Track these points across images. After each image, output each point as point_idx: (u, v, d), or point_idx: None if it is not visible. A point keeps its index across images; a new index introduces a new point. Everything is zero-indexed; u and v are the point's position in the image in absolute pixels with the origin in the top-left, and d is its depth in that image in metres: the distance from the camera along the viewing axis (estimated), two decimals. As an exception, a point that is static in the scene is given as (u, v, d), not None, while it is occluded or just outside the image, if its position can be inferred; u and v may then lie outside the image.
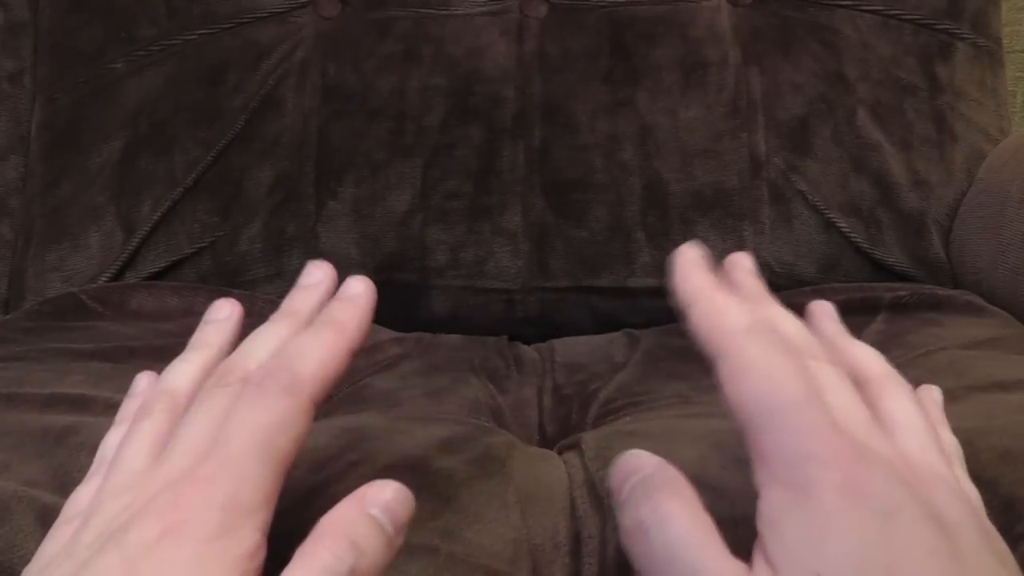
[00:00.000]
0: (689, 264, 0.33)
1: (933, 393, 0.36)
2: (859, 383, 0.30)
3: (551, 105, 0.71)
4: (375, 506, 0.28)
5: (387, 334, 0.66)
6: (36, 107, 0.74)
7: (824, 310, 0.36)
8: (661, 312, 0.70)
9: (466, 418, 0.50)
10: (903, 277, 0.70)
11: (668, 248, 0.69)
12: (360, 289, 0.34)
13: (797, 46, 0.73)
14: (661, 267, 0.70)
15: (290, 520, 0.36)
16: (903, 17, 0.73)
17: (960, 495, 0.27)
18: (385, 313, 0.70)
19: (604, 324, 0.70)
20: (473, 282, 0.71)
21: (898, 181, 0.71)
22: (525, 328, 0.71)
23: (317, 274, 0.37)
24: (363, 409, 0.51)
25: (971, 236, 0.69)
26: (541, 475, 0.41)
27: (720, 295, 0.31)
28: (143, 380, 0.37)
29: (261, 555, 0.27)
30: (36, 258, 0.71)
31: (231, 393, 0.30)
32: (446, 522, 0.36)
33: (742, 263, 0.35)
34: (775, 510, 0.26)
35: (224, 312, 0.37)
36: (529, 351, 0.64)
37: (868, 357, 0.33)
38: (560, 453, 0.46)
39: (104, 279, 0.70)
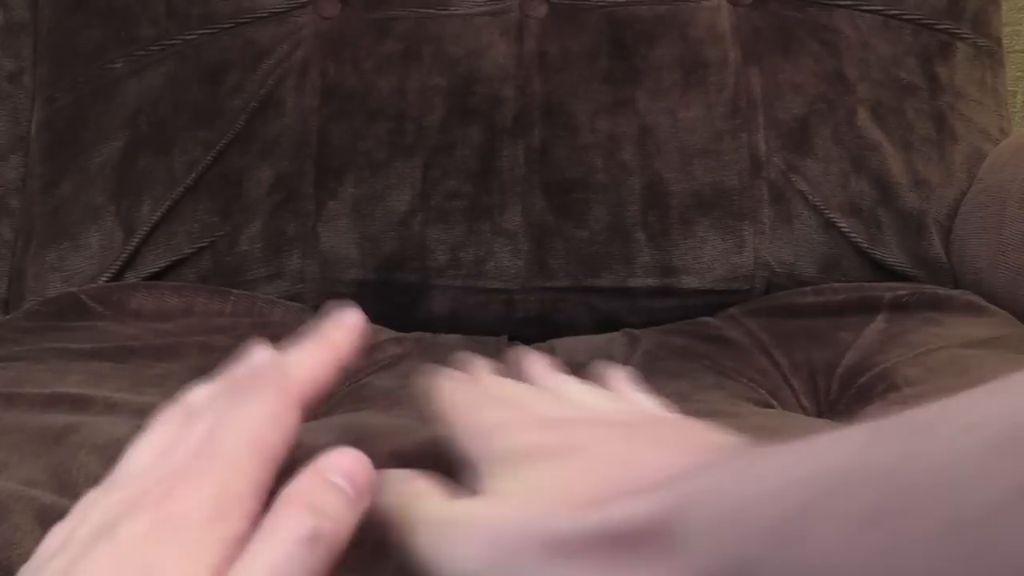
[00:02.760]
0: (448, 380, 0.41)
1: (619, 373, 0.43)
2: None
3: (551, 105, 0.71)
4: (332, 472, 0.29)
5: (387, 334, 0.66)
6: (36, 107, 0.74)
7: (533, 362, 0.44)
8: (661, 312, 0.70)
9: (466, 418, 0.50)
10: (903, 277, 0.70)
11: (668, 248, 0.70)
12: (354, 318, 0.37)
13: (797, 46, 0.73)
14: (661, 267, 0.71)
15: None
16: (903, 17, 0.73)
17: (641, 413, 0.37)
18: (385, 313, 0.71)
19: (604, 324, 0.70)
20: (473, 282, 0.71)
21: (898, 181, 0.71)
22: (525, 328, 0.70)
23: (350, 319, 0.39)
24: (363, 408, 0.51)
25: (971, 236, 0.69)
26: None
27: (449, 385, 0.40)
28: (187, 395, 0.39)
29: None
30: (36, 258, 0.71)
31: (231, 397, 0.32)
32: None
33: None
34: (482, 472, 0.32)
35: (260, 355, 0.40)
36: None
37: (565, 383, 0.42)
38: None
39: (104, 279, 0.70)
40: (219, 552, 0.26)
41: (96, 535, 0.27)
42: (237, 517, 0.27)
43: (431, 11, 0.72)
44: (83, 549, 0.27)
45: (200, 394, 0.35)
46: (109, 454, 0.41)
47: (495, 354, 0.62)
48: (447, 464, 0.41)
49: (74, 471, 0.40)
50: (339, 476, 0.29)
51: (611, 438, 0.32)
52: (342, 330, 0.36)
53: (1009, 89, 0.78)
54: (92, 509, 0.29)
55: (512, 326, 0.70)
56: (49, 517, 0.37)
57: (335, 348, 0.34)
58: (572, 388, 0.40)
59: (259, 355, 0.36)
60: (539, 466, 0.30)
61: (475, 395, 0.38)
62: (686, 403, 0.51)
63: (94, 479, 0.39)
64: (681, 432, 0.33)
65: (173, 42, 0.72)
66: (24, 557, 0.35)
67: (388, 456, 0.40)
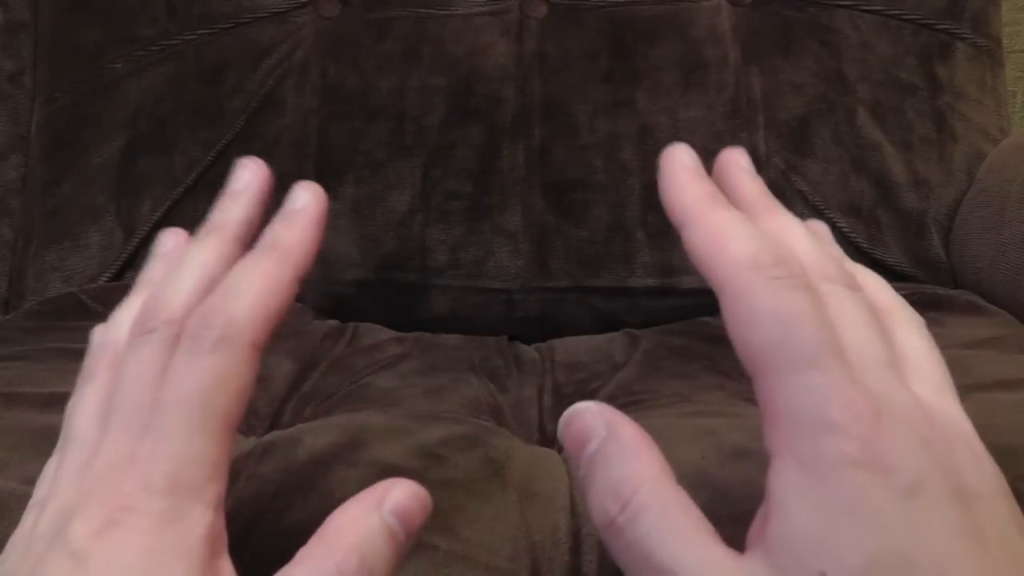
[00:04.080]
0: (682, 171, 0.28)
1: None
2: (875, 314, 0.27)
3: (551, 105, 0.71)
4: (389, 510, 0.26)
5: (387, 334, 0.66)
6: (36, 107, 0.74)
7: (820, 227, 0.32)
8: (661, 312, 0.70)
9: (466, 417, 0.50)
10: (903, 277, 0.70)
11: (668, 248, 0.70)
12: (305, 200, 0.30)
13: (797, 46, 0.73)
14: (661, 267, 0.71)
15: (290, 519, 0.36)
16: (903, 17, 0.73)
17: (979, 451, 0.25)
18: (385, 313, 0.71)
19: (604, 324, 0.70)
20: (473, 282, 0.71)
21: (898, 181, 0.71)
22: (525, 328, 0.71)
23: (245, 176, 0.32)
24: (363, 408, 0.51)
25: (971, 236, 0.69)
26: (541, 473, 0.41)
27: (719, 213, 0.27)
28: (96, 335, 0.33)
29: (217, 533, 0.25)
30: (36, 258, 0.71)
31: (158, 341, 0.27)
32: (446, 520, 0.36)
33: (737, 161, 0.30)
34: (785, 490, 0.23)
35: (168, 244, 0.33)
36: (529, 351, 0.64)
37: (878, 286, 0.30)
38: (560, 452, 0.46)
39: (104, 279, 0.70)
40: (184, 559, 0.24)
41: (53, 533, 0.25)
42: (199, 512, 0.25)
43: (431, 11, 0.72)
44: (43, 548, 0.25)
45: (120, 326, 0.30)
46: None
47: (496, 354, 0.62)
48: (449, 466, 0.41)
49: (74, 471, 0.40)
50: (394, 516, 0.26)
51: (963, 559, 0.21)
52: (293, 228, 0.29)
53: (1009, 89, 0.78)
54: (52, 496, 0.27)
55: (512, 326, 0.70)
56: (49, 517, 0.37)
57: (287, 258, 0.28)
58: (883, 297, 0.28)
59: (184, 274, 0.29)
60: (874, 510, 0.22)
61: (778, 263, 0.25)
62: (686, 403, 0.51)
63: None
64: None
65: (173, 42, 0.72)
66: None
67: (389, 460, 0.40)
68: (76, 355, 0.57)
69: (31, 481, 0.38)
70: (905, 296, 0.68)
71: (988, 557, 0.21)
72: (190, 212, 0.71)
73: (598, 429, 0.26)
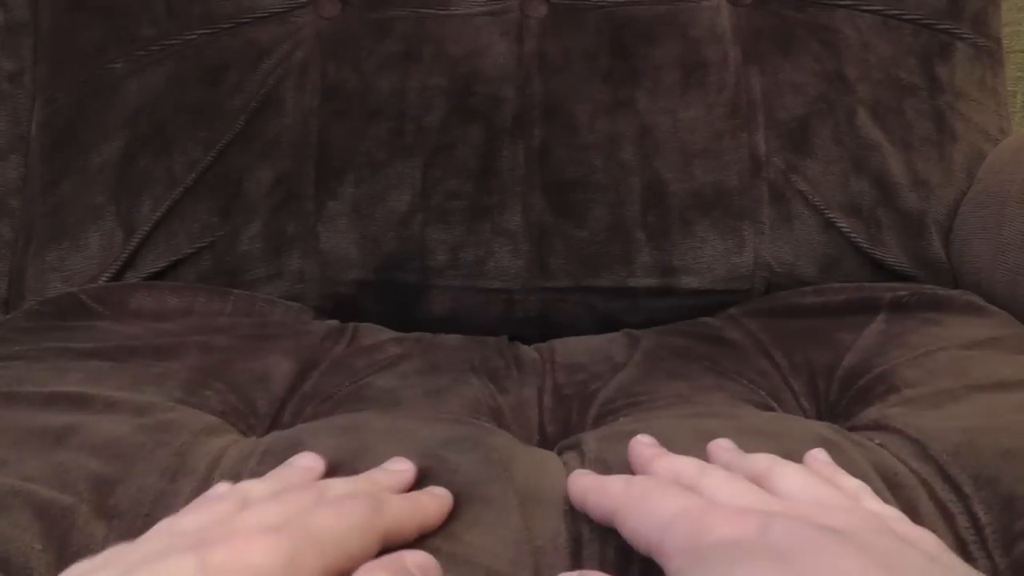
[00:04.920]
0: (577, 479, 0.39)
1: (818, 455, 0.39)
2: (757, 480, 0.35)
3: (551, 105, 0.71)
4: (411, 562, 0.31)
5: (387, 334, 0.66)
6: (36, 107, 0.74)
7: (719, 446, 0.40)
8: (661, 312, 0.70)
9: (467, 418, 0.50)
10: (903, 277, 0.70)
11: (668, 248, 0.70)
12: (446, 500, 0.38)
13: (797, 46, 0.73)
14: (661, 267, 0.71)
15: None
16: (903, 17, 0.73)
17: (859, 512, 0.31)
18: (385, 313, 0.71)
19: (604, 324, 0.70)
20: (473, 282, 0.71)
21: (898, 181, 0.71)
22: (525, 328, 0.71)
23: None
24: (363, 408, 0.51)
25: (971, 236, 0.69)
26: (542, 477, 0.41)
27: (607, 479, 0.37)
28: None
29: None
30: (36, 258, 0.71)
31: (320, 498, 0.35)
32: (448, 523, 0.36)
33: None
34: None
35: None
36: (529, 351, 0.64)
37: (757, 458, 0.37)
38: (560, 453, 0.46)
39: (104, 279, 0.70)
40: None
41: (181, 543, 0.28)
42: None
43: (431, 11, 0.72)
44: (164, 548, 0.28)
45: (257, 488, 0.36)
46: (109, 452, 0.41)
47: (496, 354, 0.62)
48: (450, 468, 0.41)
49: (73, 469, 0.40)
50: (418, 569, 0.31)
51: (825, 546, 0.27)
52: (438, 504, 0.37)
53: (1009, 89, 0.78)
54: (171, 525, 0.31)
55: (512, 326, 0.70)
56: (47, 513, 0.37)
57: (425, 512, 0.36)
58: (761, 462, 0.36)
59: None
60: (742, 569, 0.27)
61: (645, 482, 0.35)
62: (686, 405, 0.51)
63: (93, 476, 0.39)
64: (909, 553, 0.28)
65: (173, 42, 0.72)
66: (23, 552, 0.35)
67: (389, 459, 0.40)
68: (76, 354, 0.57)
69: (30, 478, 0.38)
70: (905, 296, 0.68)
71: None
72: (190, 212, 0.71)
73: None
